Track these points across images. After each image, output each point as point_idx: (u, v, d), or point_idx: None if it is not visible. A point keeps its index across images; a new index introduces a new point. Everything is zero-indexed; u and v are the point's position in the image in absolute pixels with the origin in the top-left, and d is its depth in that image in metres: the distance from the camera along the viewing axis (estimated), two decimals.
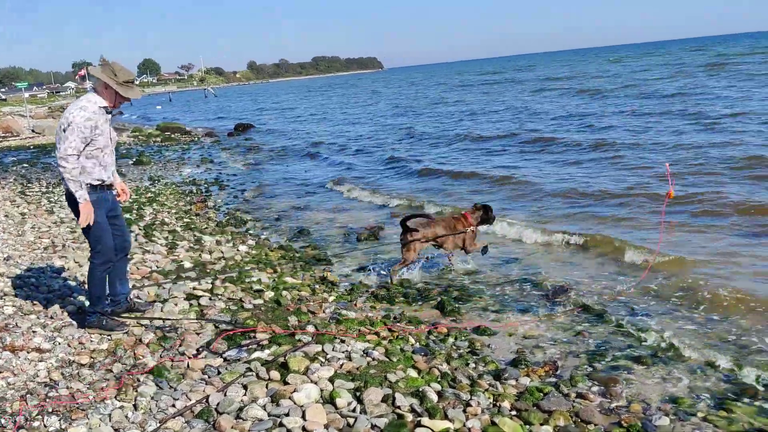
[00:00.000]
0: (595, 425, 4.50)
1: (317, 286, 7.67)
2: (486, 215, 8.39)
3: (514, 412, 4.63)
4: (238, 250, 9.23)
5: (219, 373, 5.04)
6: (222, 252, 9.05)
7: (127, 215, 11.22)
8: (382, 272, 8.19)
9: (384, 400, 4.60)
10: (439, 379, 5.09)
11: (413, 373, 5.15)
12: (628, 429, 4.44)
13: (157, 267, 8.09)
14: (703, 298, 6.75)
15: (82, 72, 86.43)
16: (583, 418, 4.58)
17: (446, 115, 32.28)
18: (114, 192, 5.87)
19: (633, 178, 12.81)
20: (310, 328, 6.00)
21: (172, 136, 33.02)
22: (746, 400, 4.80)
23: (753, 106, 21.56)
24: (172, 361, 5.22)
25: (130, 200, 12.60)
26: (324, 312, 6.69)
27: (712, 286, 6.98)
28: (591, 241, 8.97)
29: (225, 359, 5.29)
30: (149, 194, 14.57)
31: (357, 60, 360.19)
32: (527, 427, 4.43)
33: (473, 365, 5.51)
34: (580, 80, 48.26)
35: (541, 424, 4.48)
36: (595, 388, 5.08)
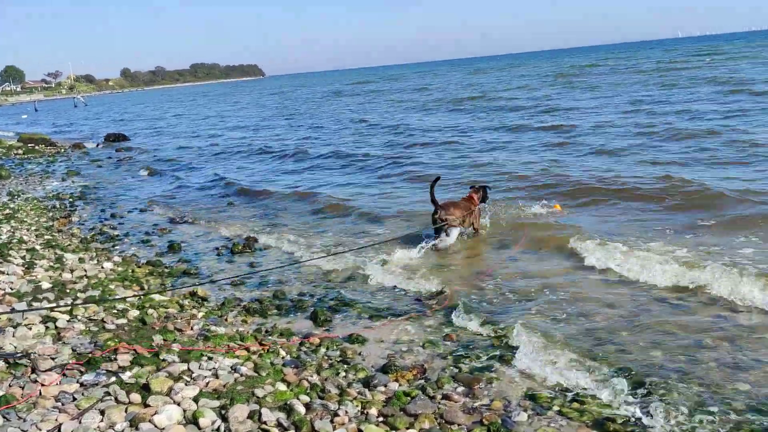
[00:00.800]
0: (459, 425, 4.64)
1: (186, 302, 7.44)
2: (485, 194, 9.15)
3: (381, 419, 4.69)
4: (102, 267, 8.79)
5: (74, 399, 4.77)
6: (85, 270, 8.58)
7: None
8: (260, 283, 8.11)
9: (250, 416, 4.52)
10: (308, 391, 5.06)
11: (282, 387, 5.09)
12: (489, 427, 4.61)
13: (11, 289, 7.56)
14: (567, 295, 7.13)
15: None
16: (447, 419, 4.71)
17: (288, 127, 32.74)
18: None
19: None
20: (176, 347, 5.80)
21: (36, 147, 31.00)
22: (599, 390, 5.10)
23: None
24: (22, 389, 4.88)
25: None
26: (192, 329, 6.50)
27: (569, 282, 7.40)
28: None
29: (81, 384, 5.01)
30: (7, 211, 13.60)
31: (237, 67, 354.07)
32: None
33: (344, 374, 5.54)
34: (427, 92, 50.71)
35: (407, 428, 4.56)
36: (459, 389, 5.23)
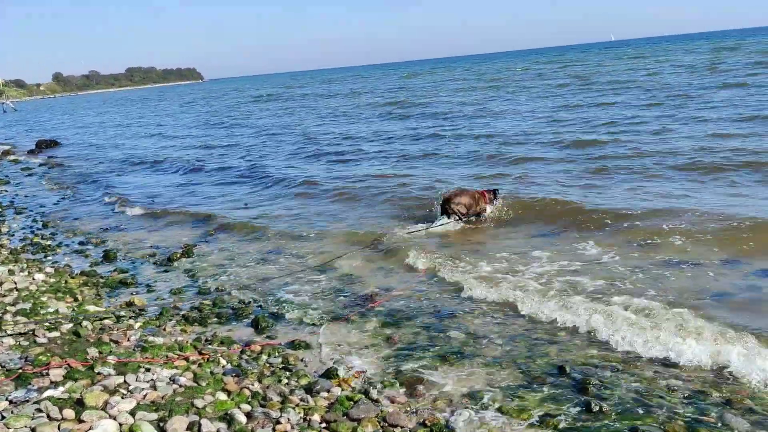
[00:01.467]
0: (402, 428, 4.66)
1: (123, 313, 7.24)
2: (494, 196, 10.57)
3: (324, 425, 4.67)
4: (33, 279, 8.47)
5: (3, 418, 4.58)
6: (15, 282, 8.25)
7: None
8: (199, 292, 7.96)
9: (189, 428, 4.43)
10: (249, 399, 5.00)
11: (223, 396, 5.02)
12: (432, 428, 4.64)
13: None
14: (498, 297, 7.25)
15: None
16: (390, 422, 4.72)
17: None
18: None
19: None
20: (112, 359, 5.64)
21: None
22: (535, 386, 5.21)
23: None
24: None
25: None
26: (129, 340, 6.33)
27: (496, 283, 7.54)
28: (399, 250, 9.32)
29: (11, 402, 4.82)
30: None
31: (175, 71, 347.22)
32: None
33: (286, 381, 5.48)
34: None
35: None
36: (402, 390, 5.26)
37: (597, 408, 4.76)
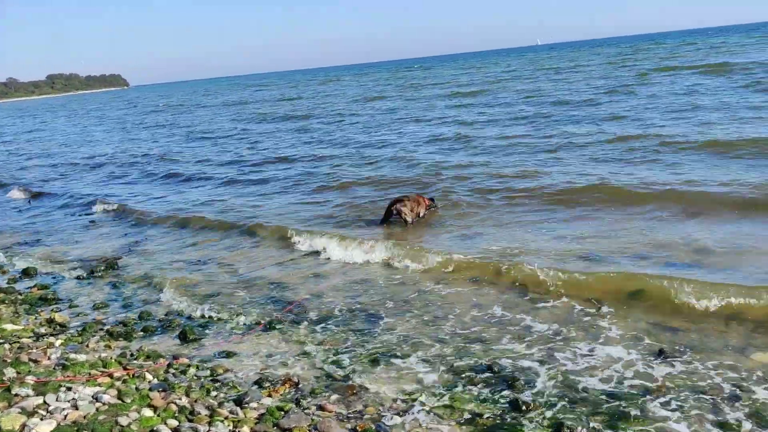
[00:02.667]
0: None
1: (43, 330, 6.96)
2: (433, 203, 11.06)
3: None
4: None
5: None
6: None
7: None
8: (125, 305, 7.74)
9: None
10: (176, 414, 4.88)
11: (148, 412, 4.88)
12: None
13: None
14: (436, 298, 7.34)
15: None
16: (321, 430, 4.69)
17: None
18: None
19: None
20: (31, 379, 5.41)
21: None
22: (468, 387, 5.28)
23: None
24: None
25: None
26: (49, 358, 6.09)
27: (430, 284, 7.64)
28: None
29: None
30: None
31: (99, 77, 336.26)
32: None
33: (215, 393, 5.39)
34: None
35: None
36: (334, 397, 5.25)
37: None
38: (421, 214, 10.73)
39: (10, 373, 5.59)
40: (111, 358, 6.12)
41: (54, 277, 9.39)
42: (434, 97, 36.97)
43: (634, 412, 4.72)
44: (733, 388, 4.94)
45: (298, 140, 23.68)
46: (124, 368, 5.80)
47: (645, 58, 50.77)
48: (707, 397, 4.85)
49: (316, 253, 9.48)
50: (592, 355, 5.68)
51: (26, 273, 9.58)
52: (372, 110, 32.58)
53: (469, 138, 19.01)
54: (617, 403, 4.87)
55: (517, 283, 7.50)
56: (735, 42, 61.24)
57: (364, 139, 21.77)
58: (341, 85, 69.46)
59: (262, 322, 6.96)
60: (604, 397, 4.98)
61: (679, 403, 4.80)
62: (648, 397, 4.92)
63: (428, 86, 47.74)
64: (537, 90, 33.09)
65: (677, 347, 5.69)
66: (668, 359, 5.47)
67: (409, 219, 10.41)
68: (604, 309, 6.63)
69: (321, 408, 5.06)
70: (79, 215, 14.33)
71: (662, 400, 4.86)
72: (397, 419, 4.85)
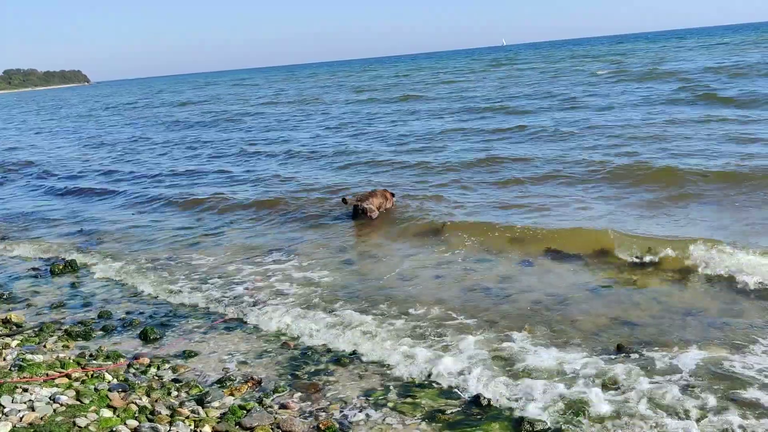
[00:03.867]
0: None
1: None
2: (392, 195, 11.32)
3: None
4: None
5: None
6: None
7: None
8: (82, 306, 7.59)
9: None
10: (136, 415, 4.82)
11: (108, 413, 4.80)
12: (326, 431, 4.65)
13: None
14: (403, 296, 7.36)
15: None
16: (284, 428, 4.68)
17: None
18: None
19: None
20: None
21: None
22: (425, 384, 5.31)
23: None
24: None
25: None
26: (5, 359, 5.95)
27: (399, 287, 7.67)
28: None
29: None
30: None
31: (58, 73, 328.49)
32: None
33: (176, 393, 5.34)
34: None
35: None
36: (297, 396, 5.24)
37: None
38: (386, 207, 10.98)
39: None
40: (69, 358, 6.01)
41: (9, 276, 9.18)
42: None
43: None
44: None
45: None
46: (83, 368, 5.70)
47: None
48: None
49: None
50: None
51: None
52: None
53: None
54: None
55: None
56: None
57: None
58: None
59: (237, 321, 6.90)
60: None
61: None
62: None
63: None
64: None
65: None
66: None
67: (374, 216, 10.63)
68: None
69: (284, 407, 5.05)
70: None
71: None
72: (361, 416, 4.87)
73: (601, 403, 4.77)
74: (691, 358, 5.34)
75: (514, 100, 27.14)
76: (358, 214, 10.75)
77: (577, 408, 4.72)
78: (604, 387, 5.00)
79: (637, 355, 5.47)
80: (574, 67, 47.73)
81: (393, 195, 11.41)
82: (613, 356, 5.51)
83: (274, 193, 13.35)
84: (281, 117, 31.21)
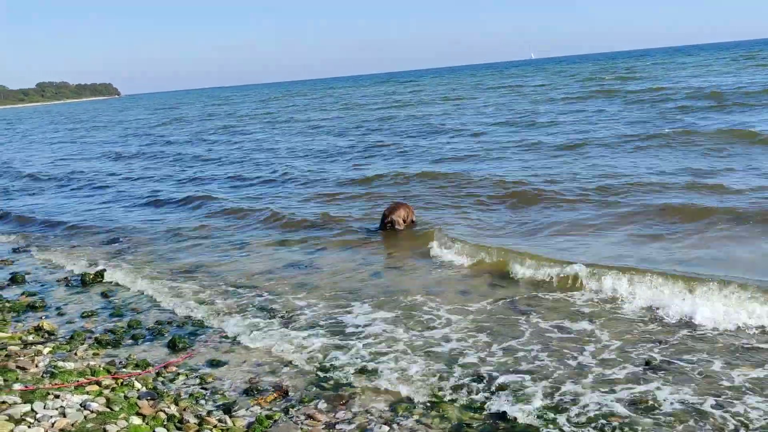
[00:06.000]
0: None
1: (31, 338, 6.93)
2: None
3: None
4: None
5: None
6: None
7: None
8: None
9: None
10: (165, 423, 4.88)
11: (137, 421, 4.88)
12: None
13: None
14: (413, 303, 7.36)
15: None
16: None
17: None
18: None
19: None
20: (18, 387, 5.39)
21: None
22: (453, 397, 5.29)
23: None
24: None
25: None
26: (37, 366, 6.06)
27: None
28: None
29: None
30: None
31: (89, 86, 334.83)
32: None
33: (204, 402, 5.40)
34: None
35: None
36: (323, 406, 5.25)
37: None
38: (412, 219, 11.04)
39: None
40: (99, 366, 6.10)
41: (42, 285, 9.35)
42: None
43: None
44: None
45: None
46: (113, 376, 5.79)
47: None
48: None
49: None
50: None
51: (14, 280, 9.53)
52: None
53: None
54: None
55: None
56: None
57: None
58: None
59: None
60: None
61: None
62: None
63: None
64: None
65: None
66: None
67: (401, 227, 10.74)
68: None
69: (310, 417, 5.07)
70: None
71: None
72: (386, 428, 4.87)
73: None
74: None
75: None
76: (384, 226, 10.83)
77: None
78: None
79: None
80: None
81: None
82: None
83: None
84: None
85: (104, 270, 9.63)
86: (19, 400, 5.11)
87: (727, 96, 25.32)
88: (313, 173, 17.45)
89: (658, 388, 5.19)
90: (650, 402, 5.00)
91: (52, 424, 4.73)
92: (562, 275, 7.79)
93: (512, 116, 27.14)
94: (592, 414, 4.88)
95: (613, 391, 5.19)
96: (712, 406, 4.87)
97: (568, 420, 4.83)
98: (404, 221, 10.85)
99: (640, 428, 4.67)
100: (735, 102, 23.44)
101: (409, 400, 5.30)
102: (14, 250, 11.82)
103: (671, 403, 4.95)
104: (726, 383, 5.21)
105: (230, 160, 22.69)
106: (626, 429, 4.67)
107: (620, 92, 32.46)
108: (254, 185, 17.05)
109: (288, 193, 15.26)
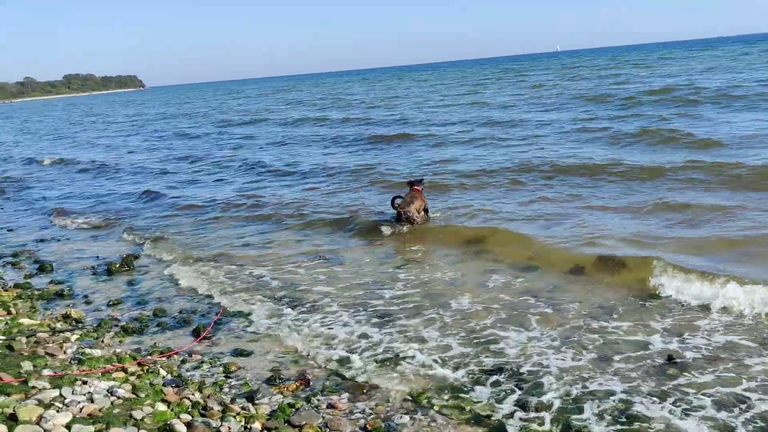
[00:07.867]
0: None
1: (59, 325, 7.07)
2: (421, 184, 11.19)
3: None
4: None
5: None
6: None
7: None
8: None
9: None
10: (189, 409, 4.97)
11: (162, 407, 4.97)
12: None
13: None
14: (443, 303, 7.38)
15: None
16: (332, 427, 4.77)
17: None
18: None
19: None
20: (47, 372, 5.51)
21: None
22: (478, 389, 5.31)
23: None
24: None
25: None
26: (65, 353, 6.19)
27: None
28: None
29: None
30: None
31: (115, 78, 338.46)
32: None
33: (227, 389, 5.48)
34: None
35: None
36: (344, 396, 5.30)
37: None
38: (425, 208, 10.92)
39: (27, 366, 5.69)
40: (125, 353, 6.21)
41: (70, 274, 9.51)
42: None
43: None
44: None
45: None
46: (139, 363, 5.89)
47: None
48: None
49: None
50: None
51: (42, 269, 9.70)
52: None
53: None
54: None
55: None
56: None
57: None
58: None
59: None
60: None
61: None
62: None
63: None
64: None
65: None
66: None
67: (418, 220, 10.63)
68: None
69: (331, 406, 5.12)
70: None
71: None
72: (407, 418, 4.90)
73: None
74: None
75: None
76: (400, 218, 10.72)
77: None
78: None
79: None
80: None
81: (421, 181, 11.35)
82: None
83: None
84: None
85: (132, 258, 9.80)
86: (48, 385, 5.22)
87: None
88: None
89: None
90: None
91: (81, 409, 4.83)
92: None
93: None
94: None
95: None
96: None
97: None
98: (418, 212, 10.65)
99: None
100: None
101: (432, 391, 5.33)
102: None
103: None
104: None
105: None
106: None
107: None
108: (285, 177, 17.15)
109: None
